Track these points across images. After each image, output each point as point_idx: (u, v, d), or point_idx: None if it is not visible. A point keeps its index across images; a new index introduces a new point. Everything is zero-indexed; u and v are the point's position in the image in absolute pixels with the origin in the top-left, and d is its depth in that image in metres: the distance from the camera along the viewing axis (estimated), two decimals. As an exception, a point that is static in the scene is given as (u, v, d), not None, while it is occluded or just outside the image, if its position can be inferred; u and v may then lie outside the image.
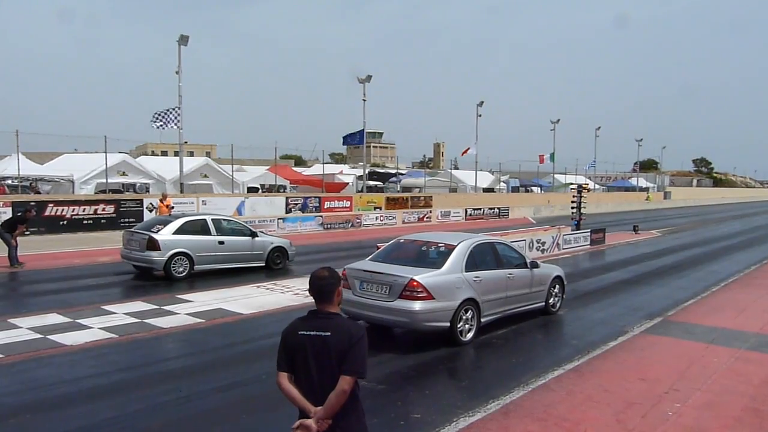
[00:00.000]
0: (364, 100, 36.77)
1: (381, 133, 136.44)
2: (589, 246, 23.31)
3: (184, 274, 14.57)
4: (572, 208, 25.62)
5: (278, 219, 27.78)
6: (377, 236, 24.06)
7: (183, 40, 27.86)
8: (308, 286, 3.49)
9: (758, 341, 9.47)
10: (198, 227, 15.25)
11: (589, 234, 23.06)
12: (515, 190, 59.60)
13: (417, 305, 8.51)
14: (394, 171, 57.47)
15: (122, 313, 10.69)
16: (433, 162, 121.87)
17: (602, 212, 48.54)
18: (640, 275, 16.71)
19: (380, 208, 34.93)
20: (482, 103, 46.16)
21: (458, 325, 8.97)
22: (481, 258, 9.71)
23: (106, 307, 11.12)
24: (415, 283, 8.56)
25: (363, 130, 36.76)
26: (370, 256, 10.22)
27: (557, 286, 11.56)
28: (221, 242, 15.33)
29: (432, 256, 9.50)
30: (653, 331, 10.12)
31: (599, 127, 64.53)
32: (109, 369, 7.73)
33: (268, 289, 13.39)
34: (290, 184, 42.89)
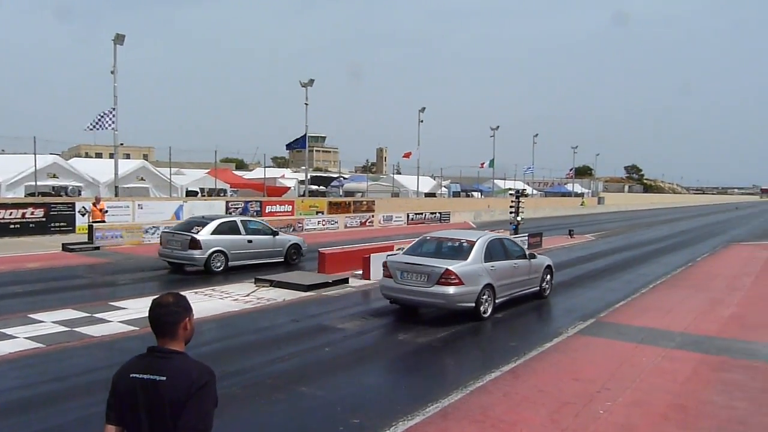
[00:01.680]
0: (306, 104, 36.61)
1: (324, 138, 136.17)
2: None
3: (221, 269, 16.34)
4: (511, 212, 25.91)
5: (218, 223, 28.23)
6: (319, 241, 23.74)
7: (119, 39, 27.14)
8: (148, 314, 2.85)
9: (683, 340, 9.82)
10: (230, 228, 17.02)
11: (526, 238, 23.30)
12: (456, 195, 60.23)
13: (451, 290, 10.50)
14: (336, 175, 57.45)
15: (50, 321, 10.30)
16: (376, 167, 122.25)
17: (540, 217, 49.50)
18: (574, 278, 17.04)
19: (322, 213, 34.80)
20: (424, 108, 46.86)
21: (481, 305, 10.94)
22: (494, 250, 11.73)
23: (33, 316, 10.69)
24: (450, 272, 10.54)
25: (305, 134, 36.81)
26: (403, 250, 12.34)
27: (548, 273, 13.69)
28: (250, 240, 17.18)
29: (457, 250, 11.43)
30: (586, 332, 10.36)
31: (537, 135, 66.78)
32: (36, 380, 7.42)
33: (206, 295, 13.11)
34: (231, 188, 42.31)
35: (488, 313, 11.26)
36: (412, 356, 8.99)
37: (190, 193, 38.04)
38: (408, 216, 38.02)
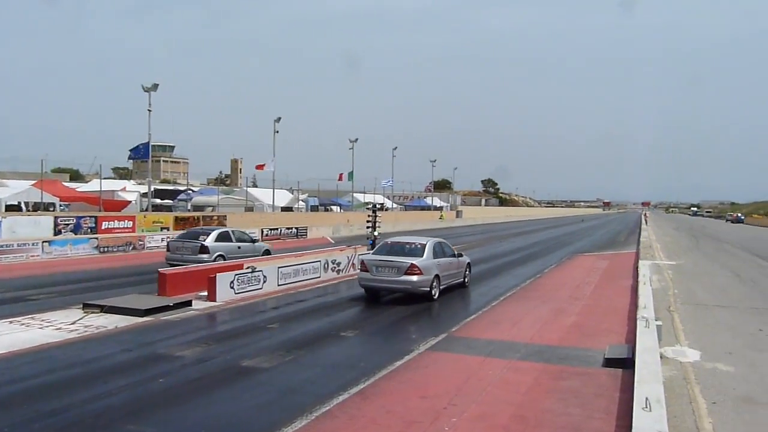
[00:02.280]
0: (150, 111, 34.88)
1: (173, 147, 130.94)
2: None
3: None
4: (368, 227, 26.03)
5: (43, 242, 25.33)
6: (162, 260, 21.74)
7: None
8: None
9: (528, 351, 10.40)
10: (225, 236, 21.72)
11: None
12: (314, 209, 60.35)
13: (415, 278, 14.75)
14: (185, 188, 54.94)
15: None
16: (231, 179, 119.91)
17: (399, 231, 49.97)
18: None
19: (168, 229, 33.01)
20: (280, 119, 46.37)
21: (432, 290, 15.17)
22: (438, 250, 16.20)
23: None
24: (414, 266, 14.82)
25: (148, 142, 34.81)
26: (372, 251, 17.11)
27: (468, 269, 18.47)
28: (239, 246, 21.88)
29: (414, 250, 15.65)
30: (437, 348, 10.67)
31: (396, 148, 68.60)
32: None
33: (23, 324, 12.01)
34: (61, 201, 39.15)
35: (437, 296, 15.63)
36: (256, 384, 8.72)
37: (12, 208, 35.30)
38: (263, 231, 37.10)
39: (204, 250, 21.01)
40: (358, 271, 16.69)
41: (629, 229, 65.25)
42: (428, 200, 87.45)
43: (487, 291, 17.67)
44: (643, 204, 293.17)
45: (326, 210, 63.32)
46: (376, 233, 25.84)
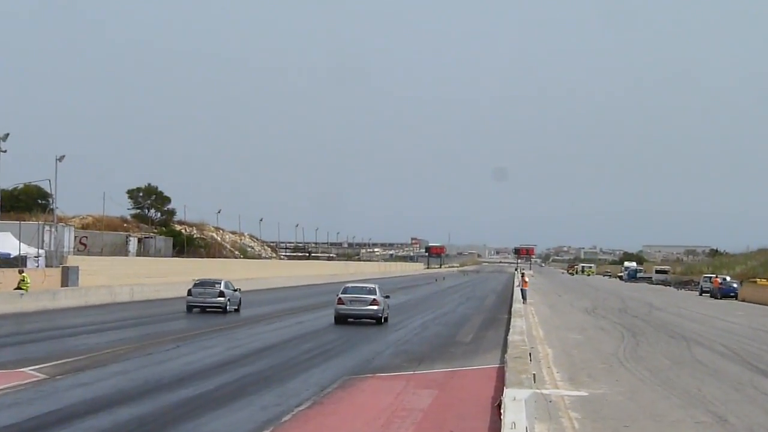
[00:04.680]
0: None
1: None
2: None
3: (231, 309, 34.38)
4: None
5: None
6: None
7: None
8: None
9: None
10: (230, 285, 35.76)
11: None
12: None
13: (375, 308, 30.49)
14: None
15: None
16: None
17: None
18: None
19: None
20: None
21: (383, 316, 31.12)
22: (380, 291, 31.98)
23: None
24: (376, 300, 30.68)
25: None
26: (342, 290, 31.21)
27: (389, 307, 32.88)
28: (234, 291, 35.73)
29: (370, 290, 31.45)
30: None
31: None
32: None
33: None
34: None
35: (386, 321, 31.31)
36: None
37: None
38: None
39: (222, 294, 34.17)
40: None
41: (487, 311, 44.25)
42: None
43: None
44: (520, 253, 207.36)
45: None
46: None
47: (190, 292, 34.55)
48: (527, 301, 45.79)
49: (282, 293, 58.31)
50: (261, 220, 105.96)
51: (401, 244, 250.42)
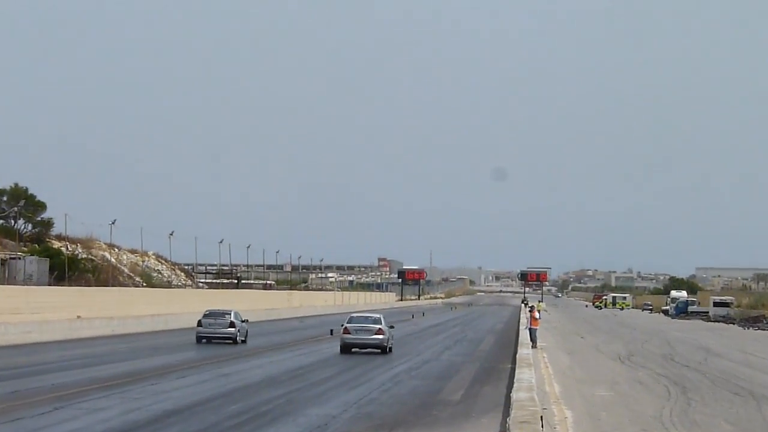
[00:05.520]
0: None
1: None
2: None
3: (240, 340, 47.99)
4: None
5: None
6: None
7: None
8: None
9: None
10: (238, 316, 50.07)
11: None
12: None
13: (381, 337, 43.45)
14: None
15: None
16: None
17: None
18: None
19: None
20: None
21: (388, 346, 44.09)
22: (385, 321, 44.80)
23: None
24: (381, 329, 43.75)
25: None
26: (348, 320, 44.70)
27: (393, 337, 45.35)
28: (243, 322, 50.40)
29: (375, 319, 44.98)
30: None
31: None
32: None
33: None
34: None
35: (390, 351, 42.76)
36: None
37: None
38: None
39: (232, 324, 46.13)
40: None
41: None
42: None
43: None
44: (528, 279, 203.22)
45: None
46: None
47: (200, 323, 46.92)
48: (538, 344, 45.24)
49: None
50: (171, 234, 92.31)
51: (365, 267, 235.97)
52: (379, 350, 41.54)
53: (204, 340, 46.51)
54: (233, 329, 46.29)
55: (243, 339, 47.67)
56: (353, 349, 41.37)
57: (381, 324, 42.30)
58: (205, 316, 48.06)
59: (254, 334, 52.68)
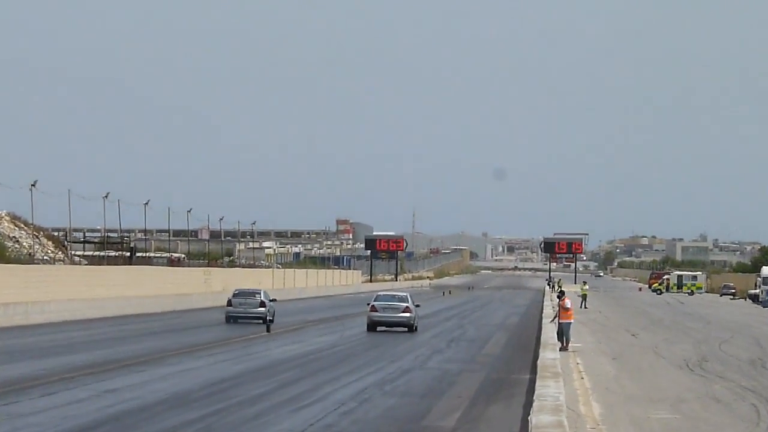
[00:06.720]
0: None
1: None
2: None
3: (269, 319, 78.58)
4: None
5: None
6: None
7: None
8: None
9: None
10: (267, 295, 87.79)
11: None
12: None
13: (408, 314, 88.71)
14: None
15: None
16: None
17: None
18: None
19: None
20: None
21: (415, 324, 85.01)
22: (412, 298, 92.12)
23: None
24: (408, 307, 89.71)
25: None
26: (374, 298, 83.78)
27: (418, 316, 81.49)
28: (272, 301, 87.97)
29: (402, 297, 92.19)
30: None
31: None
32: None
33: None
34: None
35: (416, 329, 75.32)
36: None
37: None
38: None
39: (263, 304, 72.41)
40: None
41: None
42: None
43: None
44: (555, 250, 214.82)
45: None
46: None
47: (230, 302, 66.79)
48: (570, 346, 43.90)
49: (73, 332, 58.63)
50: (34, 185, 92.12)
51: (318, 234, 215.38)
52: (406, 329, 60.59)
53: (233, 320, 65.20)
54: (263, 309, 66.24)
55: (271, 319, 64.96)
56: (378, 328, 59.80)
57: (408, 302, 63.22)
58: (234, 295, 68.16)
59: (138, 334, 59.68)
